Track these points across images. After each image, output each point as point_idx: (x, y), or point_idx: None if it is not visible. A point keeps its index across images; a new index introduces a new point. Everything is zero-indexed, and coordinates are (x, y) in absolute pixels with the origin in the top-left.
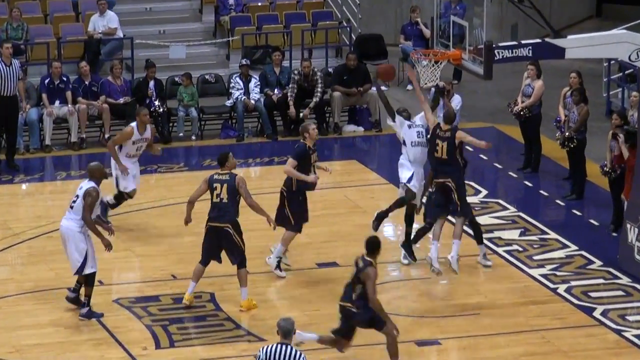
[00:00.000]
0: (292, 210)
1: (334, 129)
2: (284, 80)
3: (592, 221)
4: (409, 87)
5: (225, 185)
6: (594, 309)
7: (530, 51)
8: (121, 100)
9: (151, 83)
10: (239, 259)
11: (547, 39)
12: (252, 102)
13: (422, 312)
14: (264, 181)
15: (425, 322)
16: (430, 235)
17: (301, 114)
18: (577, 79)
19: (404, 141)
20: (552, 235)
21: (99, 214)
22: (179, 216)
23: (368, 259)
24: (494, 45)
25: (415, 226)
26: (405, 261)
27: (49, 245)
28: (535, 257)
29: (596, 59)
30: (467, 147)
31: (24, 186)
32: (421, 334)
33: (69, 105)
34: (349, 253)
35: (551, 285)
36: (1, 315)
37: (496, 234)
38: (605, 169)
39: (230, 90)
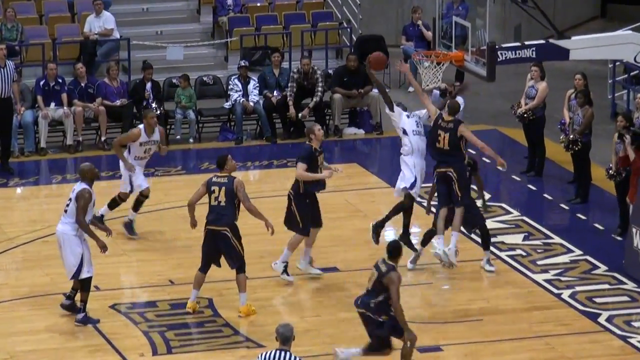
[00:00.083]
0: (301, 214)
1: (335, 131)
2: (283, 82)
3: (597, 225)
4: (410, 89)
5: (223, 188)
6: (599, 314)
7: (534, 52)
8: (118, 103)
9: (148, 85)
10: (238, 264)
11: (551, 40)
12: (251, 104)
13: (423, 318)
14: (263, 184)
15: (427, 329)
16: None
17: (300, 115)
18: (582, 80)
19: (404, 130)
20: (557, 239)
21: (100, 214)
22: (177, 220)
23: (390, 262)
24: (496, 47)
25: (418, 230)
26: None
27: (44, 250)
28: (539, 262)
29: (601, 61)
30: (470, 150)
31: (18, 190)
32: (423, 341)
33: (65, 108)
34: (349, 258)
35: (555, 291)
36: None
37: (499, 238)
38: (610, 172)
39: (228, 92)
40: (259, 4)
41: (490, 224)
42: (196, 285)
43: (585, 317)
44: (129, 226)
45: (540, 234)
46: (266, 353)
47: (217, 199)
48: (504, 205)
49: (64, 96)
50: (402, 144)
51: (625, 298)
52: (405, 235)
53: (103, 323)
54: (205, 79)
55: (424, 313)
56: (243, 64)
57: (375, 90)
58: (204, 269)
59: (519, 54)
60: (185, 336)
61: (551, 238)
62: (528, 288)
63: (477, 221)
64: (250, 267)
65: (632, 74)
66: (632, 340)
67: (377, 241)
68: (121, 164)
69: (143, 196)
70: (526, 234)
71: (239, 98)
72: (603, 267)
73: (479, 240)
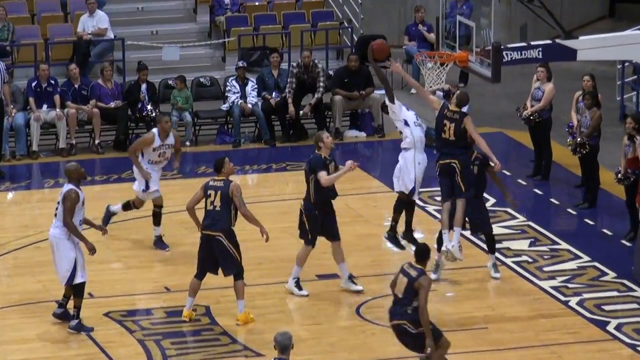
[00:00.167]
0: (310, 225)
1: (335, 134)
2: (282, 83)
3: (605, 231)
4: (412, 91)
5: (219, 192)
6: (608, 322)
7: (540, 53)
8: (112, 105)
9: (143, 86)
10: (234, 270)
11: (557, 40)
12: (249, 106)
13: None
14: (261, 189)
15: None
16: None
17: (301, 112)
18: (590, 82)
19: (405, 122)
20: (564, 245)
21: (112, 211)
22: (173, 225)
23: (419, 266)
24: (502, 47)
25: (420, 235)
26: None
27: (36, 256)
28: (546, 269)
29: (609, 61)
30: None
31: (10, 194)
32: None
33: (57, 110)
34: (350, 264)
35: (562, 298)
36: None
37: (505, 244)
38: (619, 175)
39: (226, 94)
40: (257, 3)
41: (495, 229)
42: (192, 292)
43: (594, 325)
44: (159, 242)
45: (546, 240)
46: None
47: (213, 204)
48: (509, 210)
49: (57, 98)
50: (402, 137)
51: (635, 305)
52: (408, 232)
53: (97, 331)
54: (202, 80)
55: None
56: (241, 65)
57: (376, 92)
58: (200, 275)
59: (525, 54)
60: (181, 345)
61: (558, 244)
62: (534, 295)
63: (484, 228)
64: (248, 274)
65: None
66: None
67: (403, 247)
68: (135, 170)
69: (158, 207)
70: (532, 239)
71: (236, 100)
72: (612, 274)
73: (484, 245)
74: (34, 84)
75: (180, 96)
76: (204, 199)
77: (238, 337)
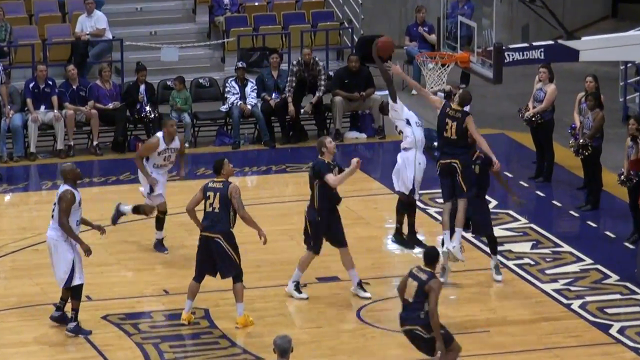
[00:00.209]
0: (314, 235)
1: (335, 135)
2: (282, 84)
3: (608, 233)
4: (414, 92)
5: (218, 194)
6: (611, 326)
7: (542, 53)
8: (110, 106)
9: (142, 87)
10: (233, 273)
11: (560, 41)
12: (249, 107)
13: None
14: (260, 190)
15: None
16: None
17: (302, 110)
18: (593, 83)
19: (407, 121)
20: (566, 248)
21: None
22: (172, 228)
23: (428, 269)
24: (503, 47)
25: (421, 237)
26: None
27: (33, 259)
28: (548, 271)
29: (612, 62)
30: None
31: (7, 196)
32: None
33: (55, 111)
34: None
35: (565, 301)
36: None
37: (506, 246)
38: (622, 177)
39: (225, 95)
40: (256, 4)
41: (497, 231)
42: (190, 295)
43: (596, 329)
44: (159, 244)
45: (549, 242)
46: None
47: (212, 205)
48: (511, 212)
49: (55, 99)
50: (403, 137)
51: (638, 309)
52: (412, 234)
53: (95, 334)
54: (201, 81)
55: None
56: (240, 66)
57: (377, 93)
58: (198, 278)
59: (527, 55)
60: (180, 348)
61: (560, 246)
62: (536, 298)
63: (485, 230)
64: (247, 277)
65: None
66: None
67: (412, 247)
68: (140, 175)
69: (162, 213)
70: (534, 242)
71: (236, 101)
72: (614, 277)
73: (486, 248)
74: (31, 85)
75: (179, 97)
76: (203, 201)
77: (237, 340)
